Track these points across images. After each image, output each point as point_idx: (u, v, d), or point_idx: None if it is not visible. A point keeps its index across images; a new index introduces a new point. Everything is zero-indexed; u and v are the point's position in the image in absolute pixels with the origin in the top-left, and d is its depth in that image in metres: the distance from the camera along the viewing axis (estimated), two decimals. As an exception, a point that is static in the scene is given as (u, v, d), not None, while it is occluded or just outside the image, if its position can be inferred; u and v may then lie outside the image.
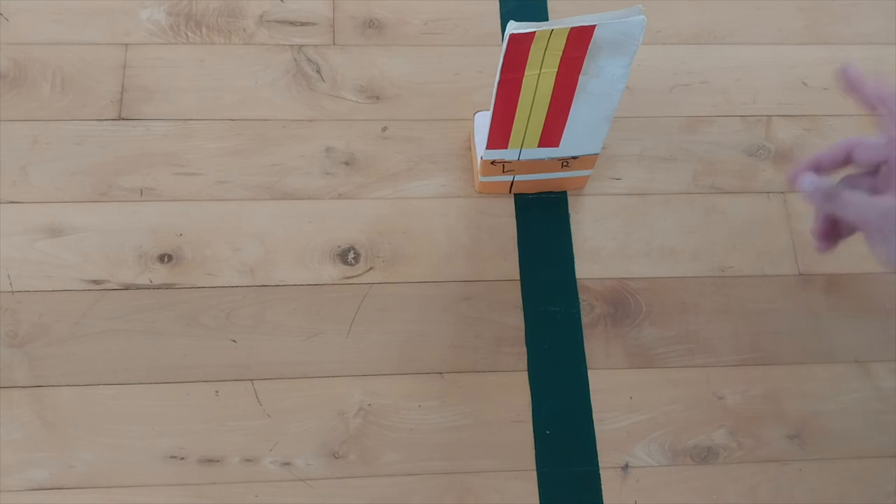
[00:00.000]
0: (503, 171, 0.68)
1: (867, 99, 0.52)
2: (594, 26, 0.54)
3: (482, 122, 0.67)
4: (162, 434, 0.62)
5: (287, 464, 0.61)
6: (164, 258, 0.67)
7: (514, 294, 0.68)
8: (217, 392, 0.63)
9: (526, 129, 0.63)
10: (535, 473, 0.62)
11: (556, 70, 0.57)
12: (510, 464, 0.63)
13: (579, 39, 0.55)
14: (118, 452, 0.61)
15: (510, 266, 0.69)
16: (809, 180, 0.51)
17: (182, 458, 0.61)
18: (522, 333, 0.67)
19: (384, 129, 0.73)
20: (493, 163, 0.67)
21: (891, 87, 0.51)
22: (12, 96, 0.71)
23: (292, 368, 0.64)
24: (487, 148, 0.65)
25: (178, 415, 0.62)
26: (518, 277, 0.68)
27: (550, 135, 0.64)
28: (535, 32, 0.54)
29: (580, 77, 0.58)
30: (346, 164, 0.71)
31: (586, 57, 0.56)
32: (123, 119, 0.71)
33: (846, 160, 0.52)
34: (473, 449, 0.63)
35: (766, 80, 0.78)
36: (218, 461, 0.61)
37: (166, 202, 0.69)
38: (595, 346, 0.66)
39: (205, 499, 0.60)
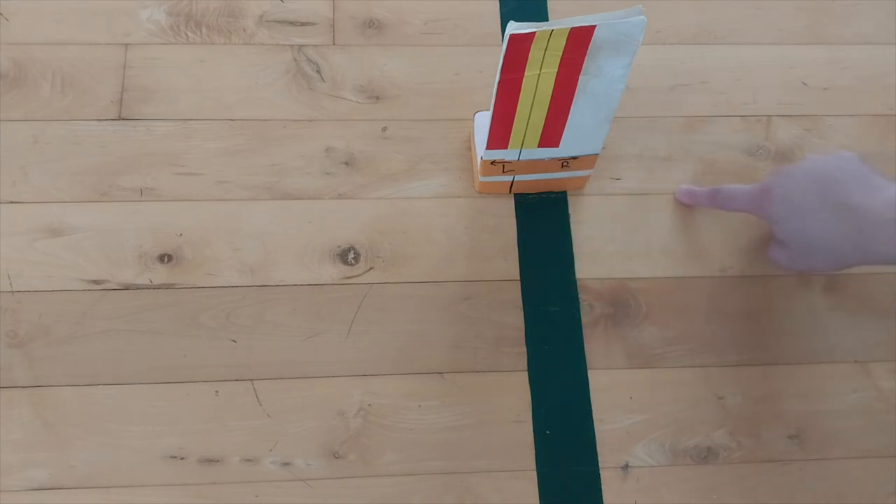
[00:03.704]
0: (503, 171, 0.68)
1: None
2: (594, 26, 0.54)
3: (482, 123, 0.67)
4: (162, 434, 0.62)
5: (287, 464, 0.62)
6: (164, 258, 0.67)
7: (514, 294, 0.68)
8: (217, 392, 0.63)
9: (526, 129, 0.63)
10: (535, 473, 0.62)
11: (556, 70, 0.57)
12: (510, 464, 0.63)
13: (579, 39, 0.55)
14: (118, 452, 0.61)
15: (510, 266, 0.69)
16: (685, 189, 0.70)
17: (182, 458, 0.61)
18: (522, 333, 0.67)
19: (384, 129, 0.73)
20: (492, 163, 0.67)
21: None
22: (12, 96, 0.71)
23: (292, 368, 0.64)
24: (487, 148, 0.65)
25: (178, 415, 0.62)
26: (518, 277, 0.68)
27: (550, 135, 0.64)
28: (535, 33, 0.54)
29: (580, 77, 0.58)
30: (346, 164, 0.71)
31: (586, 57, 0.56)
32: (123, 119, 0.71)
33: (711, 202, 0.68)
34: (473, 449, 0.63)
35: (766, 80, 0.78)
36: (218, 461, 0.61)
37: (166, 202, 0.69)
38: (595, 346, 0.66)
39: (205, 499, 0.60)
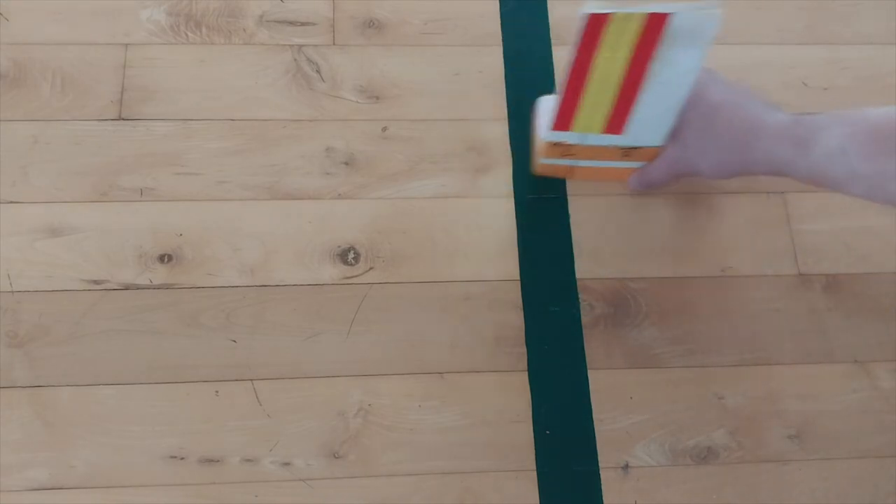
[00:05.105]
0: (564, 155, 0.67)
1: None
2: (670, 14, 0.54)
3: (545, 107, 0.66)
4: (162, 434, 0.62)
5: (287, 464, 0.61)
6: (164, 258, 0.67)
7: (514, 294, 0.68)
8: (217, 392, 0.63)
9: (592, 112, 0.62)
10: (535, 473, 0.62)
11: (629, 55, 0.57)
12: (510, 464, 0.63)
13: (654, 26, 0.54)
14: (118, 452, 0.61)
15: (510, 266, 0.69)
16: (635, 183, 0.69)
17: (182, 458, 0.61)
18: (522, 333, 0.67)
19: (384, 129, 0.73)
20: (554, 145, 0.66)
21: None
22: (12, 96, 0.71)
23: (292, 368, 0.64)
24: (553, 129, 0.64)
25: (178, 415, 0.62)
26: (518, 277, 0.68)
27: (616, 121, 0.63)
28: (611, 14, 0.53)
29: (651, 64, 0.58)
30: (346, 164, 0.71)
31: (660, 45, 0.56)
32: (123, 119, 0.71)
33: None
34: (473, 449, 0.63)
35: (766, 80, 0.78)
36: (218, 461, 0.61)
37: (166, 202, 0.69)
38: (595, 346, 0.66)
39: (205, 499, 0.60)
